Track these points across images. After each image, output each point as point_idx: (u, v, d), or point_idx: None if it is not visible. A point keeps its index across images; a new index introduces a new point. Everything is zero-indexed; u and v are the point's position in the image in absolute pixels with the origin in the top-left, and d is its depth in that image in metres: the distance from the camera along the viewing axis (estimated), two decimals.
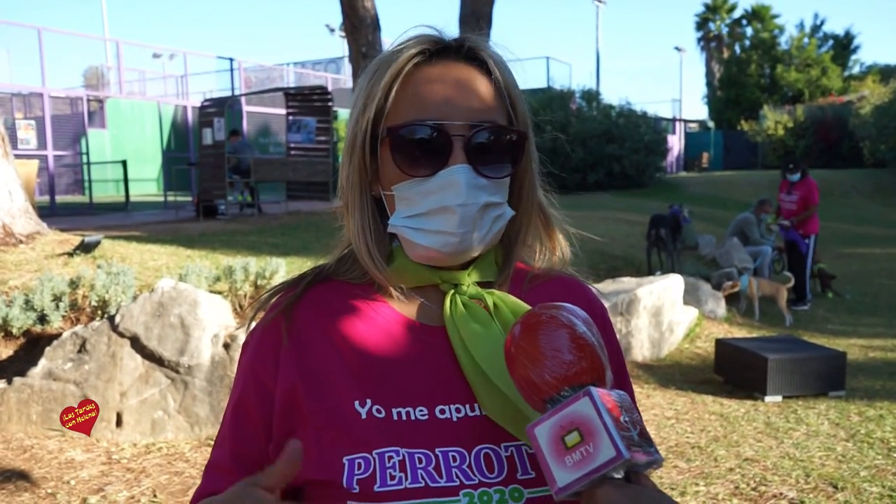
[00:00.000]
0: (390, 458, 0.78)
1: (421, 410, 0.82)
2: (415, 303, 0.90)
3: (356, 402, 0.82)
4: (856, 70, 39.43)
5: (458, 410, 0.82)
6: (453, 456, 0.79)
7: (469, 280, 0.89)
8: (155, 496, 3.51)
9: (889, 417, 4.76)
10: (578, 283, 1.01)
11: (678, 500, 3.57)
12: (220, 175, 11.23)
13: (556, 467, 0.70)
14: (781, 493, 3.64)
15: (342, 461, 0.78)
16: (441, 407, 0.82)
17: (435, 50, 0.85)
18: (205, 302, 4.36)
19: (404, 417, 0.81)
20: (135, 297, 4.39)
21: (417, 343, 0.87)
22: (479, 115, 0.85)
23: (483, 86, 0.86)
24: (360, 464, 0.78)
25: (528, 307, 0.88)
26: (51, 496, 3.44)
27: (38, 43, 15.35)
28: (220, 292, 4.97)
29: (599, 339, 0.76)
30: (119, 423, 4.12)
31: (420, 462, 0.78)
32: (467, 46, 0.87)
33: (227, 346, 4.28)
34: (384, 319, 0.88)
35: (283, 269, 5.21)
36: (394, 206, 0.87)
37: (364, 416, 0.81)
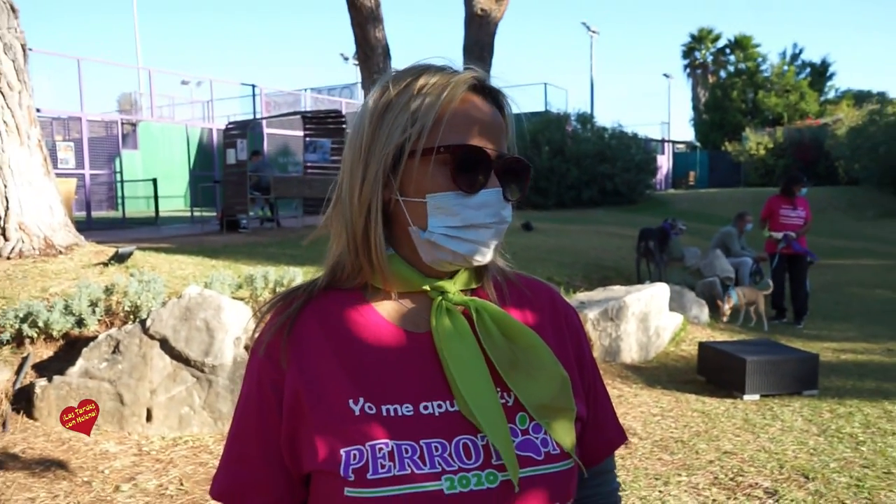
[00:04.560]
0: (381, 449, 0.81)
1: (407, 407, 0.85)
2: (402, 309, 0.92)
3: (350, 401, 0.85)
4: (831, 95, 39.40)
5: (439, 406, 0.85)
6: (436, 446, 0.82)
7: (454, 288, 0.92)
8: (182, 485, 3.55)
9: (857, 414, 4.78)
10: (548, 289, 1.04)
11: (662, 489, 3.60)
12: (242, 192, 11.32)
13: None
14: (757, 483, 3.66)
15: (340, 453, 0.82)
16: (425, 403, 0.85)
17: (474, 85, 0.89)
18: (228, 307, 4.41)
19: (392, 413, 0.84)
20: (164, 303, 4.45)
21: (404, 347, 0.90)
22: (502, 146, 0.90)
23: (501, 125, 0.90)
24: (354, 455, 0.81)
25: (507, 314, 0.92)
26: (86, 484, 3.49)
27: (77, 71, 15.52)
28: (241, 299, 5.02)
29: None
30: (149, 418, 4.16)
31: (406, 452, 0.81)
32: (491, 88, 0.92)
33: (247, 348, 4.33)
34: (374, 325, 0.91)
35: (299, 277, 5.26)
36: (419, 213, 0.88)
37: (357, 413, 0.84)
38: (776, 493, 3.54)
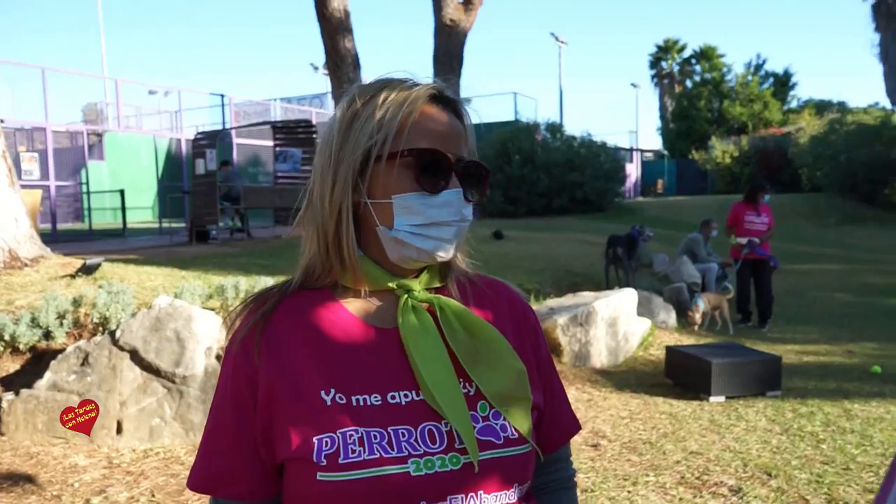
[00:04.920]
0: (351, 436, 0.87)
1: (375, 397, 0.91)
2: (370, 306, 0.99)
3: (322, 392, 0.90)
4: (794, 104, 40.37)
5: (405, 396, 0.92)
6: (402, 432, 0.89)
7: (419, 286, 0.98)
8: (153, 496, 3.54)
9: (819, 414, 4.92)
10: (507, 289, 1.11)
11: (630, 489, 3.68)
12: (211, 202, 11.25)
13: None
14: (722, 482, 3.76)
15: (313, 441, 0.87)
16: (392, 393, 0.91)
17: (435, 95, 0.97)
18: (199, 317, 4.41)
19: (362, 403, 0.90)
20: (133, 314, 4.43)
21: (372, 341, 0.96)
22: (462, 151, 0.97)
23: (461, 131, 0.98)
24: (326, 442, 0.87)
25: (468, 310, 0.99)
26: (56, 498, 3.46)
27: (41, 81, 15.30)
28: (212, 309, 5.01)
29: None
30: (119, 430, 4.14)
31: (375, 438, 0.87)
32: (451, 98, 0.99)
33: (219, 358, 4.33)
34: (344, 322, 0.97)
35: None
36: (386, 214, 0.94)
37: (329, 403, 0.90)
38: (740, 490, 3.64)
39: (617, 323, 6.54)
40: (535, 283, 8.41)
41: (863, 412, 4.96)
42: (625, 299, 6.75)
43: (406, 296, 0.97)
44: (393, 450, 0.87)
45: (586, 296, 6.84)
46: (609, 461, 4.08)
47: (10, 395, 4.05)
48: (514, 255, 10.51)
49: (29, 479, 3.60)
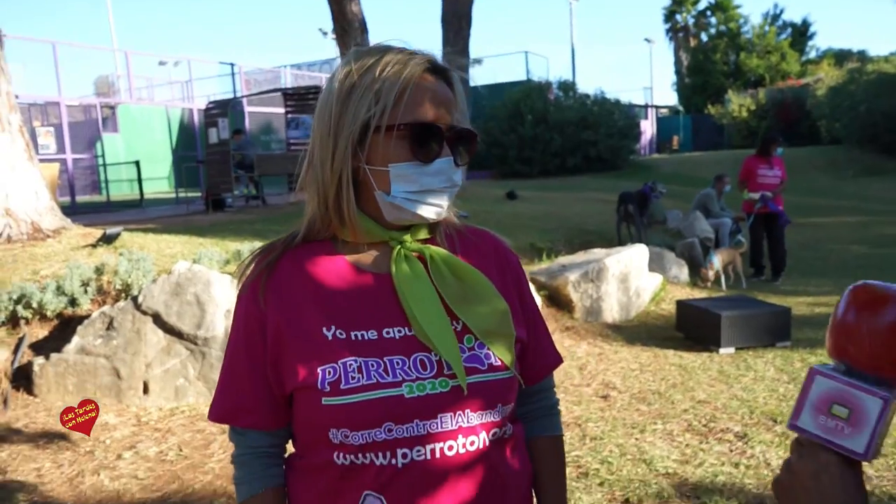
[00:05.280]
0: (350, 365, 0.99)
1: (372, 332, 1.03)
2: (366, 256, 1.09)
3: (324, 329, 1.02)
4: (812, 55, 39.53)
5: (399, 331, 1.03)
6: (397, 361, 1.00)
7: (411, 238, 1.09)
8: (181, 450, 3.72)
9: (827, 362, 5.00)
10: (493, 238, 1.22)
11: (638, 437, 3.80)
12: (226, 171, 11.38)
13: (808, 412, 0.78)
14: (728, 428, 3.87)
15: (317, 371, 0.99)
16: (387, 329, 1.03)
17: (429, 67, 1.05)
18: (217, 281, 4.55)
19: (360, 337, 1.02)
20: (154, 280, 4.58)
21: (368, 285, 1.07)
22: (452, 118, 1.06)
23: (452, 99, 1.07)
24: (329, 371, 0.99)
25: (456, 257, 1.10)
26: (89, 453, 3.65)
27: (52, 56, 15.39)
28: (230, 273, 5.16)
29: None
30: (146, 390, 4.32)
31: (373, 367, 0.99)
32: (442, 67, 1.07)
33: None
34: (343, 269, 1.08)
35: None
36: (383, 180, 1.03)
37: (330, 338, 1.01)
38: (746, 436, 3.75)
39: (628, 279, 6.62)
40: (548, 241, 8.47)
41: None
42: (636, 255, 6.81)
43: (399, 246, 1.08)
44: (389, 376, 0.99)
45: (598, 252, 6.91)
46: (618, 411, 4.20)
47: (41, 360, 4.24)
48: (527, 214, 10.57)
49: (63, 436, 3.79)
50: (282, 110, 14.28)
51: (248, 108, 19.73)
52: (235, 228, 8.41)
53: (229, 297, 4.54)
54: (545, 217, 10.43)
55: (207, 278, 4.51)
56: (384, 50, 1.06)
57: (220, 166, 11.46)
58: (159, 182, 20.64)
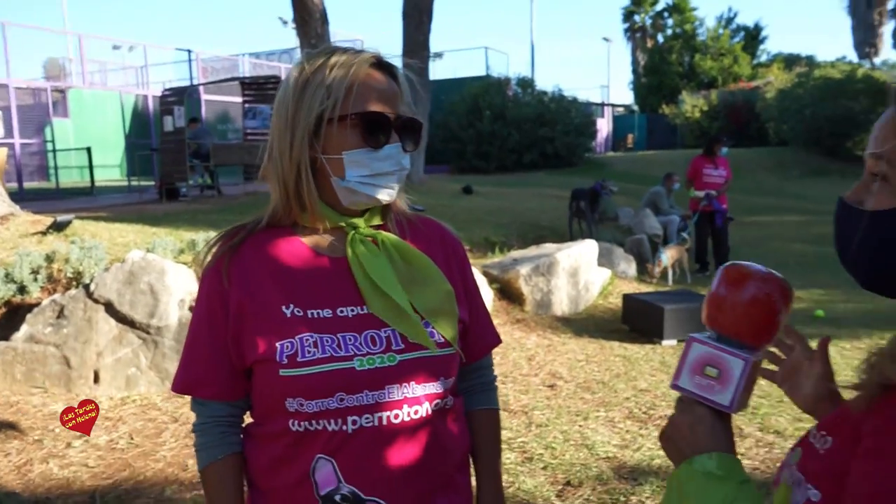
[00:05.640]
0: (307, 340, 1.09)
1: (327, 311, 1.13)
2: (324, 240, 1.19)
3: (283, 307, 1.12)
4: (763, 58, 40.59)
5: (352, 310, 1.14)
6: (349, 338, 1.11)
7: (365, 224, 1.19)
8: (132, 439, 3.74)
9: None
10: (439, 226, 1.32)
11: (581, 423, 3.96)
12: (181, 160, 11.24)
13: (686, 374, 0.90)
14: (666, 415, 4.06)
15: (276, 345, 1.09)
16: (341, 308, 1.14)
17: (376, 62, 1.16)
18: (171, 271, 4.55)
19: (316, 315, 1.12)
20: (107, 268, 4.56)
21: (325, 267, 1.17)
22: (399, 109, 1.16)
23: (397, 91, 1.17)
24: (287, 346, 1.09)
25: (405, 242, 1.20)
26: (38, 442, 3.64)
27: (1, 36, 14.93)
28: (185, 263, 5.15)
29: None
30: (97, 379, 4.31)
31: (327, 342, 1.09)
32: (388, 63, 1.18)
33: (192, 309, 4.49)
34: (301, 252, 1.18)
35: None
36: (338, 167, 1.12)
37: (289, 315, 1.11)
38: None
39: (578, 273, 6.80)
40: (501, 235, 8.63)
41: None
42: (586, 250, 7.00)
43: (353, 231, 1.18)
44: (342, 350, 1.10)
45: (549, 247, 7.08)
46: (564, 399, 4.36)
47: None
48: (482, 209, 10.70)
49: (11, 425, 3.77)
50: (239, 99, 14.15)
51: (204, 97, 19.44)
52: (190, 218, 8.35)
53: (184, 286, 4.55)
54: (500, 212, 10.59)
55: (162, 267, 4.51)
56: (333, 50, 1.16)
57: (175, 155, 11.32)
58: (111, 170, 20.17)
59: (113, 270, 4.45)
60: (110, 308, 4.36)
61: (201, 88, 18.38)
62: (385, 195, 1.15)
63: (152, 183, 14.30)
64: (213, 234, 4.83)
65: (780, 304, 0.89)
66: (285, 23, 33.53)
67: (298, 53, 20.19)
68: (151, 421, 3.97)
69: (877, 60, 38.41)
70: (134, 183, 14.57)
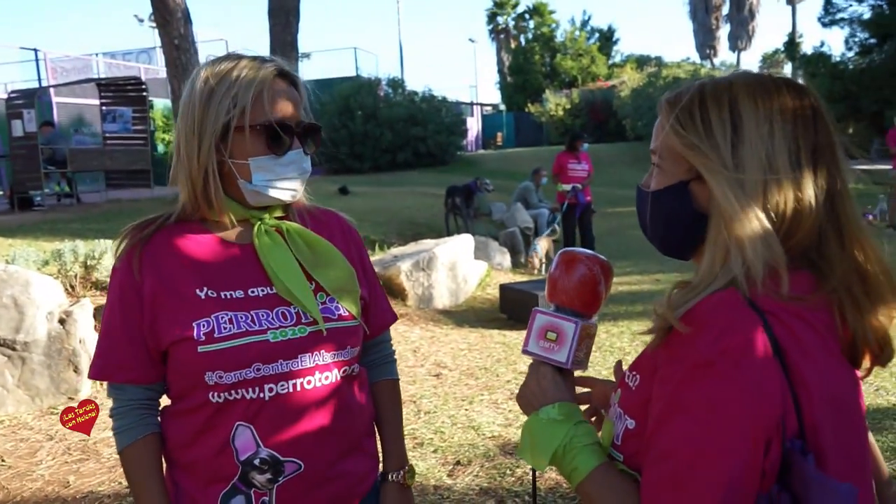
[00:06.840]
0: (223, 317, 1.19)
1: (239, 292, 1.23)
2: (232, 232, 1.29)
3: (197, 290, 1.21)
4: (617, 59, 43.19)
5: (262, 290, 1.25)
6: (262, 314, 1.22)
7: (270, 216, 1.29)
8: (3, 461, 3.53)
9: (626, 332, 5.71)
10: (337, 216, 1.45)
11: (468, 408, 4.16)
12: (34, 166, 10.48)
13: (532, 340, 1.10)
14: None
15: (193, 325, 1.18)
16: (252, 289, 1.24)
17: (277, 73, 1.25)
18: (37, 282, 4.30)
19: (229, 296, 1.22)
20: None
21: (234, 254, 1.27)
22: (300, 115, 1.27)
23: (298, 98, 1.27)
24: (204, 324, 1.18)
25: (309, 232, 1.31)
26: None
27: None
28: (50, 274, 4.88)
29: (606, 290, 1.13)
30: None
31: (242, 319, 1.20)
32: (288, 72, 1.27)
33: (62, 322, 4.28)
34: (211, 242, 1.27)
35: (111, 250, 5.17)
36: (245, 171, 1.21)
37: (203, 297, 1.21)
38: None
39: (456, 267, 7.04)
40: (381, 234, 8.75)
41: None
42: (462, 244, 7.26)
43: (259, 222, 1.28)
44: (255, 325, 1.20)
45: (427, 243, 7.27)
46: (449, 386, 4.55)
47: None
48: (359, 209, 10.76)
49: None
50: (96, 102, 13.33)
51: (56, 99, 18.08)
52: (49, 228, 7.85)
53: (52, 298, 4.32)
54: (377, 211, 10.70)
55: (26, 279, 4.26)
56: (238, 58, 1.25)
57: (27, 161, 10.53)
58: None
59: None
60: None
61: (52, 90, 17.13)
62: (289, 196, 1.26)
63: (1, 193, 13.20)
64: (79, 243, 4.62)
65: (602, 279, 1.10)
66: (141, 21, 31.78)
67: (159, 54, 19.25)
68: (24, 441, 3.76)
69: (716, 61, 41.97)
70: None
